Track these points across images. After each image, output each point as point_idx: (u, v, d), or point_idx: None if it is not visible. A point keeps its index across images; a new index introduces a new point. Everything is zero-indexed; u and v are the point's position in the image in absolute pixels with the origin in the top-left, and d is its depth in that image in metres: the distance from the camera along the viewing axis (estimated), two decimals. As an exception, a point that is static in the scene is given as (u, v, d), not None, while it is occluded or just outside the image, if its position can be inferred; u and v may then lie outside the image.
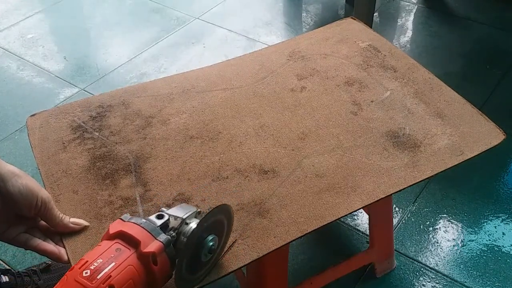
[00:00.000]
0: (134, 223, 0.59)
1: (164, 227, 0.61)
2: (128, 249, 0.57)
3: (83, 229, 0.72)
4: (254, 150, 0.84)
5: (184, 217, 0.62)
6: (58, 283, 0.55)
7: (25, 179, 0.65)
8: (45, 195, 0.67)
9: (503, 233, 1.27)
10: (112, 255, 0.56)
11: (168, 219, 0.61)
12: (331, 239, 1.28)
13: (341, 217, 0.74)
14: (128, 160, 0.82)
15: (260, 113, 0.91)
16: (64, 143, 0.85)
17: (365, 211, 1.27)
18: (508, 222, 1.30)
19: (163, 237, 0.59)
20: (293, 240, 0.70)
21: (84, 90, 1.80)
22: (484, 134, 0.86)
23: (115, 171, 0.80)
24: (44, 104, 1.72)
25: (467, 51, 1.91)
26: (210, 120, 0.89)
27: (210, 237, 0.62)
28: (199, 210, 0.65)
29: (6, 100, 1.76)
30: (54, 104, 1.72)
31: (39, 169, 0.81)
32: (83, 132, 0.87)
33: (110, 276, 0.54)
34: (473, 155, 0.82)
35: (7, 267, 1.22)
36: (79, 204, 0.75)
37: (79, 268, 0.55)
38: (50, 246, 0.69)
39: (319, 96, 0.94)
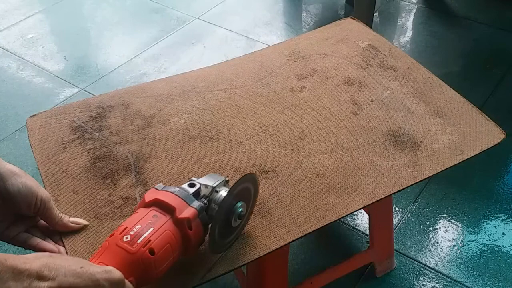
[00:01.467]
0: (168, 191, 0.62)
1: (196, 195, 0.64)
2: (164, 215, 0.60)
3: (83, 228, 0.72)
4: (254, 150, 0.84)
5: (214, 185, 0.65)
6: (99, 249, 0.58)
7: (24, 178, 0.65)
8: (44, 194, 0.67)
9: (503, 233, 1.27)
10: (150, 221, 0.59)
11: (200, 187, 0.64)
12: (331, 239, 1.28)
13: (342, 217, 0.74)
14: (128, 160, 0.82)
15: (260, 113, 0.91)
16: (64, 144, 0.85)
17: (365, 211, 1.27)
18: (508, 222, 1.30)
19: (196, 203, 0.62)
20: (294, 240, 0.70)
21: (84, 90, 1.80)
22: (484, 133, 0.86)
23: (115, 171, 0.80)
24: (44, 104, 1.72)
25: (467, 51, 1.91)
26: (210, 120, 0.89)
27: (239, 204, 0.65)
28: (227, 179, 0.68)
29: (6, 100, 1.76)
30: (54, 104, 1.72)
31: (39, 169, 0.81)
32: (83, 132, 0.87)
33: (150, 240, 0.57)
34: (473, 154, 0.82)
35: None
36: (79, 203, 0.75)
37: (120, 234, 0.58)
38: (49, 245, 0.69)
39: (319, 96, 0.94)
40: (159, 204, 0.61)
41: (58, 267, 0.50)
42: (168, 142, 0.85)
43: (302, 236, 0.71)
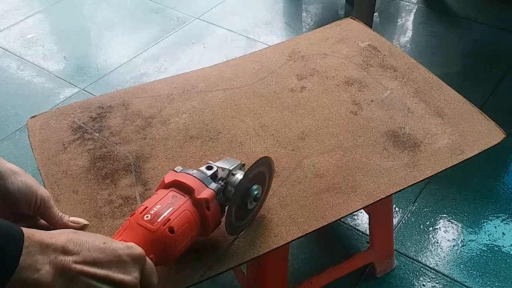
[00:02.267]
0: (186, 173, 0.64)
1: (213, 177, 0.66)
2: (183, 196, 0.62)
3: (83, 227, 0.72)
4: (254, 150, 0.84)
5: (230, 168, 0.67)
6: (121, 228, 0.60)
7: (24, 177, 0.65)
8: (44, 193, 0.67)
9: (503, 233, 1.27)
10: (169, 201, 0.61)
11: (217, 170, 0.66)
12: (331, 239, 1.28)
13: (342, 217, 0.74)
14: (128, 160, 0.82)
15: (260, 113, 0.91)
16: (64, 144, 0.85)
17: (365, 211, 1.27)
18: (508, 222, 1.30)
19: (214, 185, 0.64)
20: (294, 240, 0.70)
21: (84, 90, 1.80)
22: (484, 133, 0.86)
23: (115, 171, 0.81)
24: (44, 104, 1.72)
25: (467, 51, 1.91)
26: (210, 120, 0.89)
27: (254, 187, 0.66)
28: (243, 163, 0.70)
29: (6, 100, 1.76)
30: (54, 104, 1.72)
31: (39, 169, 0.81)
32: (83, 133, 0.87)
33: (169, 219, 0.59)
34: (473, 154, 0.82)
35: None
36: (79, 203, 0.75)
37: (140, 213, 0.60)
38: None
39: (319, 96, 0.94)
40: (178, 185, 0.63)
41: (82, 242, 0.52)
42: (168, 142, 0.86)
43: (302, 236, 0.71)
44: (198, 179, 0.63)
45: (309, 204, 0.75)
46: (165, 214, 0.59)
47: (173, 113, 0.91)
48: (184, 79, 0.99)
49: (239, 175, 0.67)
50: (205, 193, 0.63)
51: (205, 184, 0.64)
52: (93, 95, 1.77)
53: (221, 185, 0.65)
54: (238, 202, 0.65)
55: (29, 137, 0.87)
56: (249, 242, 0.70)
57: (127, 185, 0.78)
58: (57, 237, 0.50)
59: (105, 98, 0.95)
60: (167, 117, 0.90)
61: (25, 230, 0.48)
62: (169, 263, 0.64)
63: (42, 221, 0.70)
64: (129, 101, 0.94)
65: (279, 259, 0.90)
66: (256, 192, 0.67)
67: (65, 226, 0.70)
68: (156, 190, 0.64)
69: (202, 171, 0.66)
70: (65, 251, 0.50)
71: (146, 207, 0.60)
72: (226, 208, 0.65)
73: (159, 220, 0.59)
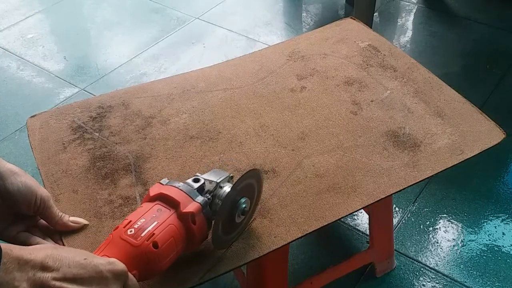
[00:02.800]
0: (172, 186, 0.63)
1: (200, 190, 0.64)
2: (169, 209, 0.61)
3: (83, 227, 0.72)
4: (254, 150, 0.84)
5: (218, 181, 0.65)
6: (103, 242, 0.59)
7: (24, 177, 0.65)
8: (44, 193, 0.67)
9: (503, 233, 1.27)
10: (154, 215, 0.60)
11: (204, 182, 0.65)
12: (331, 239, 1.28)
13: (342, 217, 0.74)
14: (128, 160, 0.82)
15: (260, 113, 0.91)
16: (64, 144, 0.85)
17: (365, 211, 1.27)
18: (508, 222, 1.30)
19: (200, 198, 0.62)
20: (294, 240, 0.70)
21: (84, 90, 1.80)
22: (484, 133, 0.85)
23: (115, 170, 0.80)
24: (44, 104, 1.72)
25: (467, 51, 1.91)
26: (210, 120, 0.89)
27: (242, 200, 0.65)
28: (231, 175, 0.68)
29: (6, 100, 1.76)
30: (54, 104, 1.72)
31: (39, 169, 0.81)
32: (83, 132, 0.87)
33: (153, 234, 0.58)
34: (473, 154, 0.82)
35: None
36: (79, 203, 0.75)
37: (124, 227, 0.58)
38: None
39: (319, 96, 0.94)
40: (163, 198, 0.62)
41: (62, 258, 0.50)
42: (168, 142, 0.86)
43: (302, 236, 0.71)
44: (184, 192, 0.62)
45: (309, 204, 0.75)
46: (149, 228, 0.58)
47: (173, 113, 0.91)
48: (184, 79, 0.99)
49: (227, 188, 0.65)
50: (191, 206, 0.61)
51: (191, 197, 0.62)
52: (93, 95, 1.77)
53: (208, 198, 0.64)
54: (225, 216, 0.64)
55: (28, 136, 0.87)
56: (249, 243, 0.70)
57: (127, 185, 0.78)
58: (36, 253, 0.49)
59: (105, 98, 0.95)
60: (167, 117, 0.90)
61: (3, 246, 0.47)
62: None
63: (42, 222, 0.70)
64: (129, 101, 0.94)
65: (279, 259, 0.90)
66: (244, 206, 0.65)
67: (64, 225, 0.70)
68: (142, 203, 0.63)
69: (188, 184, 0.64)
70: (44, 268, 0.49)
71: (130, 221, 0.59)
72: (214, 221, 0.64)
73: (142, 234, 0.57)
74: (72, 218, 0.71)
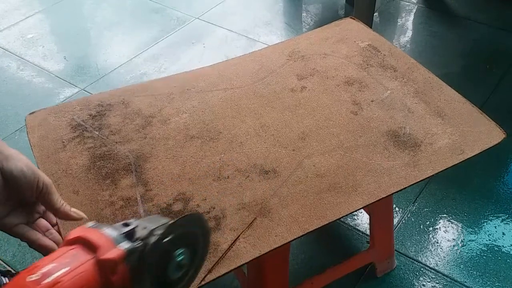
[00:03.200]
0: (96, 229, 0.54)
1: (129, 236, 0.54)
2: (86, 255, 0.52)
3: (81, 221, 0.71)
4: (255, 150, 0.84)
5: (153, 227, 0.54)
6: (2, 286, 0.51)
7: (27, 161, 0.65)
8: (46, 178, 0.66)
9: (503, 233, 1.27)
10: (68, 260, 0.51)
11: (135, 228, 0.55)
12: (331, 239, 1.28)
13: (343, 216, 0.74)
14: (128, 159, 0.82)
15: (260, 113, 0.91)
16: (63, 142, 0.85)
17: (365, 211, 1.27)
18: (508, 222, 1.30)
19: (126, 245, 0.52)
20: (295, 239, 0.70)
21: (84, 90, 1.80)
22: (485, 133, 0.86)
23: (116, 170, 0.80)
24: (44, 104, 1.72)
25: (467, 51, 1.91)
26: (210, 120, 0.89)
27: (179, 251, 0.55)
28: (172, 221, 0.56)
29: (6, 100, 1.76)
30: (54, 104, 1.71)
31: (38, 167, 0.81)
32: (83, 131, 0.87)
33: (59, 281, 0.49)
34: (473, 154, 0.82)
35: (7, 267, 1.22)
36: (80, 205, 0.75)
37: (27, 273, 0.50)
38: (49, 241, 0.69)
39: (319, 96, 0.94)
40: (83, 242, 0.53)
41: None
42: (169, 142, 0.85)
43: (303, 235, 0.71)
44: (107, 236, 0.52)
45: (310, 203, 0.75)
46: (56, 274, 0.49)
47: (173, 112, 0.91)
48: (184, 78, 0.99)
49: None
50: (112, 253, 0.51)
51: (114, 243, 0.52)
52: (93, 95, 1.77)
53: (137, 246, 0.53)
54: (152, 270, 0.53)
55: (27, 133, 0.86)
56: (250, 242, 0.70)
57: (127, 186, 0.78)
58: None
59: (105, 96, 0.95)
60: (167, 117, 0.90)
61: None
62: None
63: (43, 221, 0.70)
64: (129, 100, 0.94)
65: (279, 259, 0.90)
66: (181, 258, 0.54)
67: (66, 214, 0.69)
68: (60, 246, 0.55)
69: (115, 228, 0.54)
70: None
71: (38, 265, 0.50)
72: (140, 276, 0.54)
73: (46, 281, 0.48)
74: (73, 209, 0.71)
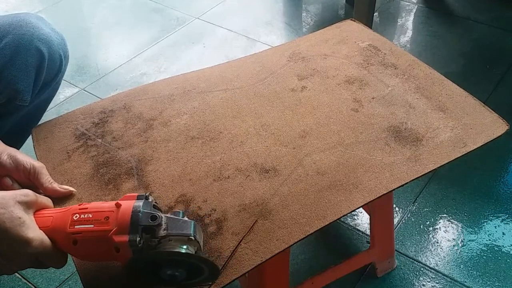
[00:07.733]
0: (138, 210, 0.60)
1: (148, 230, 0.59)
2: (110, 224, 0.60)
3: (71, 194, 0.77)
4: (255, 149, 0.84)
5: (173, 232, 0.59)
6: (63, 208, 0.64)
7: (10, 151, 0.72)
8: (36, 162, 0.73)
9: (503, 233, 1.27)
10: (99, 219, 0.60)
11: (159, 224, 0.59)
12: (331, 239, 1.28)
13: (343, 215, 0.74)
14: (130, 164, 0.82)
15: (261, 112, 0.91)
16: (68, 152, 0.85)
17: (365, 210, 1.27)
18: (508, 222, 1.30)
19: (135, 236, 0.58)
20: (296, 243, 0.70)
21: (84, 90, 1.80)
22: (487, 126, 0.85)
23: (118, 175, 0.80)
24: (44, 104, 1.72)
25: (467, 51, 1.91)
26: (211, 121, 0.89)
27: (168, 271, 0.60)
28: (192, 236, 0.60)
29: (6, 100, 1.75)
30: (54, 104, 1.72)
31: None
32: (86, 139, 0.87)
33: (80, 232, 0.60)
34: (476, 146, 0.82)
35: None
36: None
37: (79, 208, 0.61)
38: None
39: (319, 95, 0.94)
40: (118, 209, 0.60)
41: None
42: (169, 144, 0.85)
43: (304, 238, 0.71)
44: (131, 221, 0.58)
45: (310, 202, 0.75)
46: (84, 226, 0.59)
47: (174, 114, 0.91)
48: (185, 79, 0.99)
49: (169, 246, 0.59)
50: (120, 237, 0.58)
51: (130, 230, 0.58)
52: (93, 95, 1.77)
53: (151, 241, 0.59)
54: (140, 272, 0.61)
55: (34, 147, 0.86)
56: (251, 248, 0.69)
57: (129, 189, 0.78)
58: None
59: (107, 102, 0.95)
60: (168, 118, 0.90)
61: None
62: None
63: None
64: (130, 104, 0.94)
65: (280, 259, 0.90)
66: (169, 272, 0.59)
67: (53, 190, 0.74)
68: (123, 198, 0.62)
69: (150, 213, 0.60)
70: None
71: (86, 208, 0.61)
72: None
73: (76, 227, 0.60)
74: (62, 186, 0.75)
